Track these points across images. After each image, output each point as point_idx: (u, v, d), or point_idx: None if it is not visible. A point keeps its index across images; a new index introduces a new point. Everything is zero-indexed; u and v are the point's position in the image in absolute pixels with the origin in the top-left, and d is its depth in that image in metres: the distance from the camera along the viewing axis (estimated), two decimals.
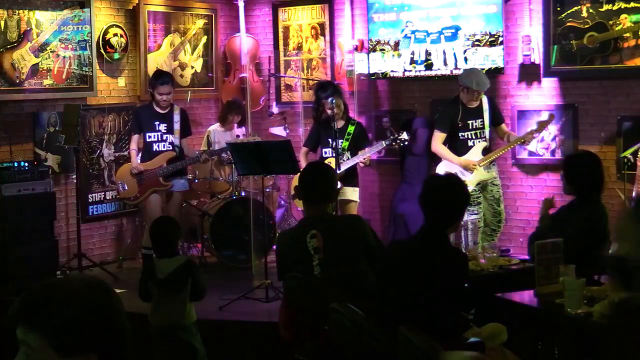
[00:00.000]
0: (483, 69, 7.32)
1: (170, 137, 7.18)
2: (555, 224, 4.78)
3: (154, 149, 7.18)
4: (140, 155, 7.27)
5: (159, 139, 7.18)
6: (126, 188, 7.24)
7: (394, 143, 6.83)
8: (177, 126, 7.19)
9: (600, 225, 4.75)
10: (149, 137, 7.18)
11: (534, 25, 7.41)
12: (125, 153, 8.04)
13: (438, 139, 6.91)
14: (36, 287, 1.78)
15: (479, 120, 6.84)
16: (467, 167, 6.76)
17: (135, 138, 7.29)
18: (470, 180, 6.74)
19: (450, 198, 3.89)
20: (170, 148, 7.19)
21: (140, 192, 7.18)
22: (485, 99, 6.88)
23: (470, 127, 6.84)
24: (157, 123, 7.16)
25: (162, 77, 7.21)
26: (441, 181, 4.10)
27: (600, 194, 4.86)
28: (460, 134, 6.83)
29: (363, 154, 6.75)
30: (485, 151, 6.87)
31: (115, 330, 1.78)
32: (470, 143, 6.83)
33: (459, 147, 6.84)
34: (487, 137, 6.86)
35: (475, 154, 6.82)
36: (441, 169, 6.87)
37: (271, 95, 9.06)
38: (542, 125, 6.83)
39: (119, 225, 8.25)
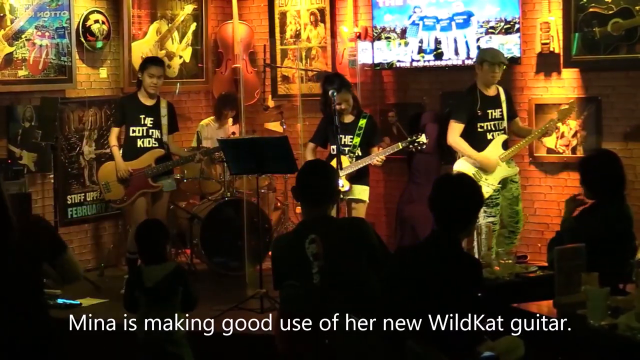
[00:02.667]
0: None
1: (156, 133, 7.12)
2: (577, 228, 4.79)
3: (138, 145, 7.12)
4: (121, 151, 7.19)
5: (144, 134, 7.10)
6: (110, 190, 7.16)
7: (411, 146, 6.79)
8: (164, 121, 7.14)
9: (624, 228, 4.75)
10: (133, 131, 7.09)
11: (554, 11, 7.41)
12: (108, 150, 8.04)
13: (455, 130, 6.83)
14: None
15: (498, 110, 6.83)
16: (489, 165, 6.74)
17: (115, 131, 7.17)
18: (494, 178, 6.74)
19: (463, 200, 3.89)
20: (157, 145, 7.15)
21: (128, 195, 7.09)
22: (501, 90, 6.89)
23: (490, 117, 6.82)
24: (142, 116, 7.09)
25: (154, 60, 7.22)
26: (453, 181, 4.09)
27: (623, 194, 4.86)
28: (479, 125, 6.81)
29: (374, 157, 6.73)
30: (506, 145, 6.86)
31: None
32: (489, 136, 6.80)
33: (477, 141, 6.81)
34: (506, 129, 6.85)
35: (495, 148, 6.81)
36: (459, 166, 6.87)
37: (266, 87, 9.06)
38: (563, 114, 6.82)
39: (100, 229, 8.25)
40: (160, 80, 7.10)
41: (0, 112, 7.47)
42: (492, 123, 6.83)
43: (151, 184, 7.08)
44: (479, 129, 6.82)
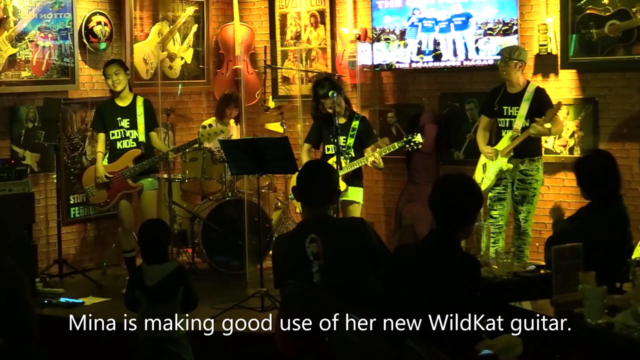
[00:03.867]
0: (495, 61, 7.33)
1: (134, 133, 7.05)
2: (574, 227, 4.78)
3: (118, 147, 7.05)
4: (107, 155, 7.13)
5: (123, 136, 7.04)
6: (94, 194, 7.15)
7: (407, 146, 6.79)
8: (140, 120, 7.04)
9: (621, 228, 4.75)
10: (112, 134, 7.04)
11: (551, 13, 7.41)
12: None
13: (480, 122, 7.11)
14: None
15: (515, 107, 6.83)
16: (487, 157, 6.88)
17: (101, 137, 7.10)
18: (491, 171, 6.80)
19: (463, 200, 3.88)
20: (135, 145, 7.06)
21: (110, 198, 7.06)
22: (532, 89, 6.84)
23: (505, 114, 6.87)
24: (119, 119, 7.03)
25: (107, 62, 7.16)
26: (453, 181, 4.08)
27: (619, 193, 4.86)
28: (499, 120, 6.93)
29: (369, 157, 6.71)
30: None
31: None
32: (503, 133, 6.89)
33: (496, 135, 6.98)
34: (519, 128, 6.79)
35: (501, 144, 6.87)
36: (481, 158, 7.02)
37: (267, 88, 9.06)
38: (550, 114, 6.77)
39: (102, 228, 8.25)
40: (119, 76, 6.99)
41: (4, 113, 7.48)
42: (507, 120, 6.86)
43: (131, 184, 7.04)
44: (499, 124, 6.94)
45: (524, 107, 6.79)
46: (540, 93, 6.87)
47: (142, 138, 7.06)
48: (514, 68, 6.80)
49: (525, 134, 6.79)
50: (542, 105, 6.84)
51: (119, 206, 7.10)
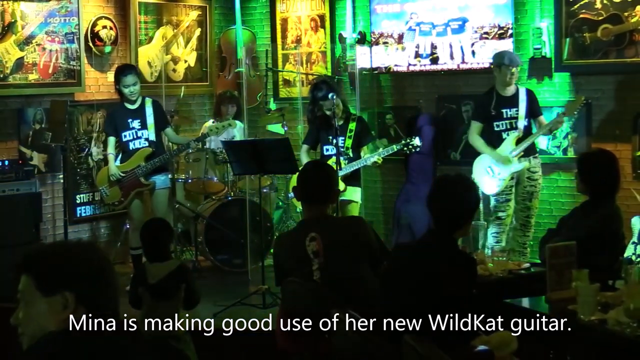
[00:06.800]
0: (490, 64, 7.32)
1: (145, 133, 7.03)
2: (568, 226, 4.78)
3: (131, 148, 7.05)
4: (120, 157, 7.16)
5: (135, 137, 7.03)
6: (108, 194, 7.15)
7: (405, 148, 6.79)
8: (150, 120, 7.03)
9: (614, 227, 4.74)
10: (125, 136, 7.03)
11: (545, 17, 7.40)
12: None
13: (474, 129, 7.00)
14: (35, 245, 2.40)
15: (514, 109, 6.84)
16: (501, 161, 6.80)
17: (112, 141, 7.11)
18: (505, 173, 6.76)
19: (461, 199, 3.87)
20: (146, 145, 7.06)
21: (124, 196, 7.07)
22: (522, 90, 6.89)
23: (504, 116, 6.85)
24: (130, 120, 7.01)
25: (123, 70, 7.09)
26: (451, 181, 4.07)
27: (615, 194, 4.86)
28: (495, 124, 6.88)
29: (368, 158, 6.71)
30: (519, 142, 6.86)
31: (93, 278, 2.48)
32: (504, 135, 6.85)
33: (493, 139, 6.89)
34: (522, 128, 6.81)
35: (507, 145, 6.84)
36: (478, 161, 6.96)
37: (268, 90, 9.06)
38: (570, 108, 6.78)
39: (108, 227, 8.25)
40: (137, 86, 6.99)
41: (12, 115, 7.47)
42: (507, 122, 6.85)
43: (143, 182, 7.04)
44: (495, 128, 6.89)
45: (522, 107, 6.83)
46: (531, 94, 6.97)
47: (152, 137, 7.06)
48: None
49: (544, 129, 6.77)
50: (535, 105, 6.93)
51: (132, 204, 7.09)
